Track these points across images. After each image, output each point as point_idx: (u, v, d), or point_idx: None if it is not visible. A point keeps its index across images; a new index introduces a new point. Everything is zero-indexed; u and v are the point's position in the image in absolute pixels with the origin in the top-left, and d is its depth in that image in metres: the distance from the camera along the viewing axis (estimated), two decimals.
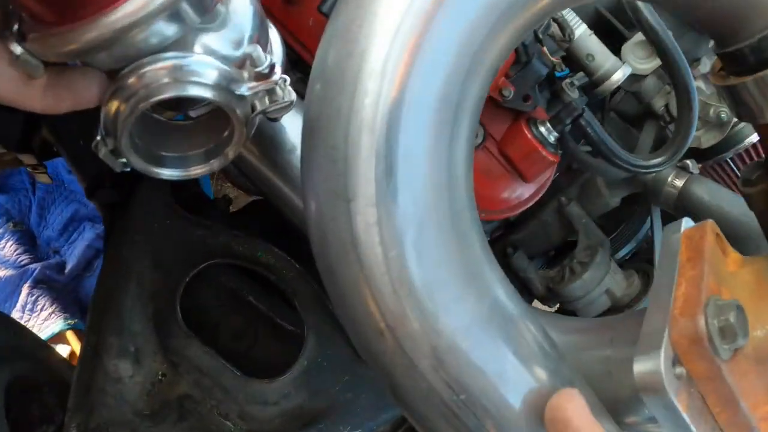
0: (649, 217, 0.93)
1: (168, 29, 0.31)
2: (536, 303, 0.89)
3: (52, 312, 1.36)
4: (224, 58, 0.34)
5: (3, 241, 1.50)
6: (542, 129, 0.60)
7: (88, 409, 0.64)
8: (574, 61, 0.68)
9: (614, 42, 0.78)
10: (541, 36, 0.58)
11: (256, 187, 0.57)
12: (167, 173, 0.37)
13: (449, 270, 0.30)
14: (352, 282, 0.30)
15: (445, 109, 0.30)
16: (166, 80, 0.32)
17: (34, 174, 1.24)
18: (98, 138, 0.35)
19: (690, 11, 0.37)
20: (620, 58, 0.77)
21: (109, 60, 0.32)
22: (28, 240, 1.53)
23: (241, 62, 0.35)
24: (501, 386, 0.30)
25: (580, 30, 0.67)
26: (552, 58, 0.63)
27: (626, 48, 0.78)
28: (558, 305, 0.86)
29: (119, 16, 0.29)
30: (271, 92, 0.35)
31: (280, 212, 0.57)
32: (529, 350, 0.31)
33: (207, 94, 0.33)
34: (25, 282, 1.40)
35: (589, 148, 0.73)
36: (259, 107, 0.35)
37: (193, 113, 0.39)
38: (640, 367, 0.29)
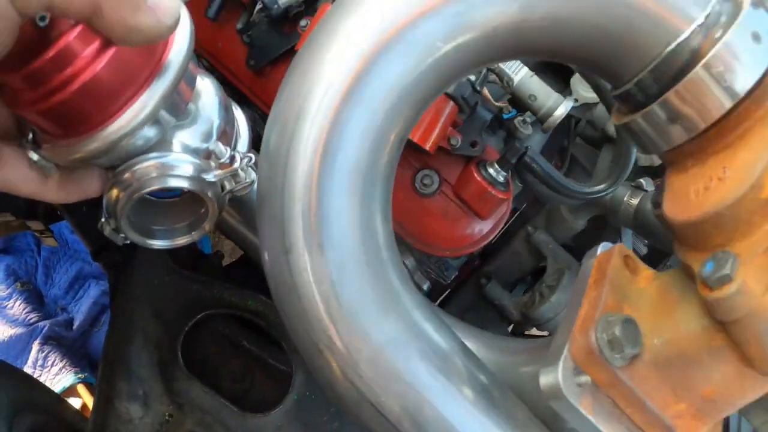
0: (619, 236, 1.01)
1: (150, 132, 0.40)
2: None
3: (63, 367, 1.44)
4: (195, 151, 0.43)
5: (11, 301, 1.59)
6: (491, 170, 0.69)
7: None
8: (519, 102, 0.76)
9: (564, 76, 0.87)
10: (478, 88, 0.66)
11: (238, 244, 0.66)
12: (158, 244, 0.46)
13: (367, 300, 0.39)
14: (295, 313, 0.40)
15: (356, 178, 0.39)
16: (153, 175, 0.41)
17: (41, 238, 1.33)
18: (102, 219, 0.43)
19: (579, 61, 0.45)
20: (570, 90, 0.86)
21: (107, 161, 0.41)
22: (35, 299, 1.62)
23: (209, 153, 0.43)
24: (416, 395, 0.38)
25: (521, 74, 0.75)
26: (498, 103, 0.72)
27: (574, 80, 0.87)
28: (534, 328, 0.93)
29: (112, 130, 0.38)
30: (235, 175, 0.44)
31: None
32: (448, 364, 0.40)
33: (184, 184, 0.42)
34: (35, 339, 1.49)
35: None
36: (227, 187, 0.44)
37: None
38: (543, 379, 0.37)
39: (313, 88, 0.41)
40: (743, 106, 0.35)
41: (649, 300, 0.43)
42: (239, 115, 0.52)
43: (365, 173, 0.39)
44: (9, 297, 1.60)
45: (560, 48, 0.40)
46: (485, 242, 0.76)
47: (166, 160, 0.41)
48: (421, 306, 0.42)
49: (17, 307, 1.58)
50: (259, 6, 0.74)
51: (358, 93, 0.39)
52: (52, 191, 0.42)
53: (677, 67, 0.35)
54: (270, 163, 0.41)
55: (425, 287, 0.82)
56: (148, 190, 0.41)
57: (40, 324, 1.52)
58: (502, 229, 0.78)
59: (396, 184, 0.69)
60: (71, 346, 1.51)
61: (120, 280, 0.82)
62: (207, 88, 0.47)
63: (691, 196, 0.36)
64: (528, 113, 0.78)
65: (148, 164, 0.41)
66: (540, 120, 0.73)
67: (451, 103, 0.64)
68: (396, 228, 0.76)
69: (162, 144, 0.42)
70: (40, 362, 1.47)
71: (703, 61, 0.34)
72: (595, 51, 0.39)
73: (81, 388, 1.44)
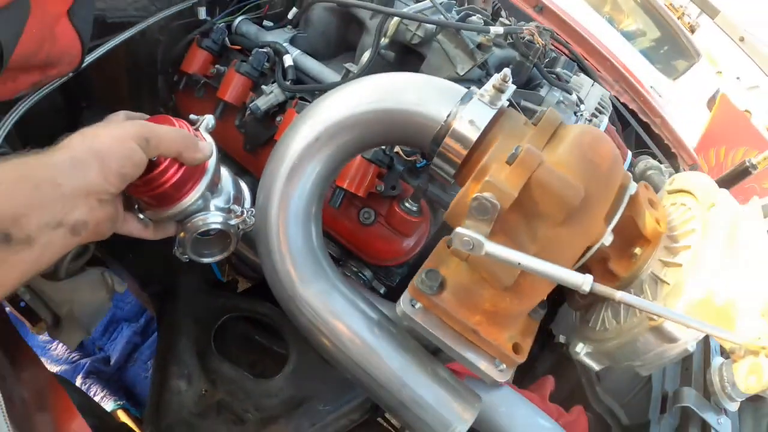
0: None
1: (200, 203, 0.84)
2: None
3: (104, 396, 1.86)
4: (222, 209, 0.87)
5: (55, 344, 2.03)
6: (407, 204, 1.12)
7: (160, 416, 1.14)
8: (427, 154, 1.20)
9: None
10: (388, 151, 1.11)
11: (251, 267, 1.12)
12: (206, 260, 0.91)
13: (312, 276, 0.84)
14: (279, 286, 0.86)
15: (300, 216, 0.85)
16: (201, 224, 0.85)
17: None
18: (175, 249, 0.88)
19: (397, 143, 0.89)
20: None
21: (178, 218, 0.85)
22: None
23: (230, 210, 0.89)
24: (333, 318, 0.83)
25: None
26: (409, 158, 1.16)
27: None
28: None
29: (183, 204, 0.82)
30: (244, 221, 0.89)
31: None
32: (357, 307, 0.85)
33: (218, 227, 0.86)
34: (78, 374, 1.92)
35: None
36: (241, 227, 0.89)
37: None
38: (398, 309, 0.81)
39: (277, 171, 0.87)
40: (473, 154, 0.79)
41: (453, 262, 0.85)
42: (244, 185, 0.97)
43: (304, 214, 0.86)
44: (51, 341, 2.03)
45: (381, 142, 0.88)
46: (413, 253, 1.19)
47: (208, 215, 0.85)
48: (343, 280, 0.88)
49: (60, 349, 2.01)
50: (248, 111, 1.21)
51: (298, 174, 0.85)
52: (150, 233, 0.85)
53: (440, 139, 0.79)
54: (259, 211, 0.87)
55: (382, 291, 1.26)
56: (199, 231, 0.85)
57: (82, 361, 1.95)
58: (424, 243, 1.21)
59: (347, 220, 1.15)
60: (109, 379, 1.93)
61: (165, 301, 1.28)
62: (225, 175, 0.92)
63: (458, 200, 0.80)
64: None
65: (198, 218, 0.85)
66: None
67: (373, 165, 1.10)
68: (352, 248, 1.20)
69: (206, 206, 0.86)
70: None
71: (449, 133, 0.78)
72: (400, 139, 0.87)
73: (120, 413, 1.85)
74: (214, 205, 0.87)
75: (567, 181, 0.71)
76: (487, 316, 0.81)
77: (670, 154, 2.32)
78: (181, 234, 0.87)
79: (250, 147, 1.25)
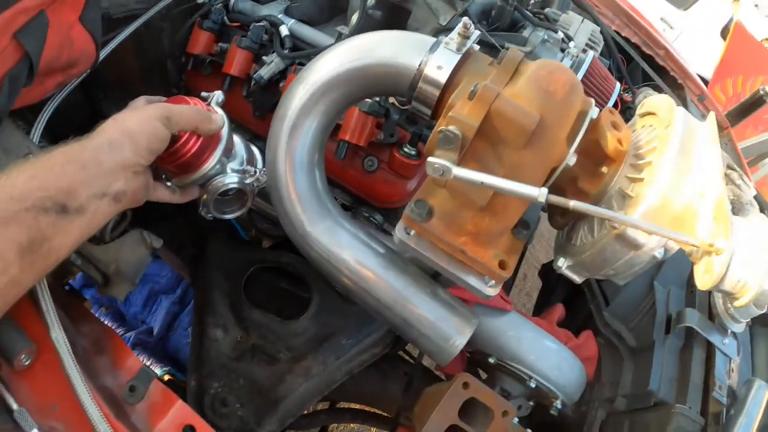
0: None
1: (218, 167, 1.02)
2: None
3: (150, 364, 2.07)
4: (238, 171, 1.05)
5: None
6: (405, 149, 1.27)
7: (201, 364, 1.32)
8: None
9: None
10: (382, 103, 1.26)
11: (271, 221, 1.29)
12: (228, 217, 1.10)
13: (318, 216, 1.01)
14: (292, 225, 1.04)
15: (305, 165, 1.02)
16: (221, 185, 1.02)
17: None
18: (200, 209, 1.06)
19: (379, 94, 1.06)
20: None
21: (200, 182, 1.03)
22: (118, 317, 2.28)
23: (244, 171, 1.06)
24: (340, 250, 1.01)
25: None
26: (403, 108, 1.31)
27: None
28: None
29: (203, 170, 1.00)
30: (258, 179, 1.06)
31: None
32: (360, 239, 1.02)
33: (235, 186, 1.04)
34: None
35: None
36: (255, 185, 1.07)
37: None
38: (394, 237, 0.98)
39: (280, 129, 1.04)
40: (444, 95, 0.94)
41: (439, 193, 0.99)
42: (255, 149, 1.14)
43: (308, 163, 1.02)
44: None
45: (367, 95, 1.04)
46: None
47: (226, 177, 1.02)
48: (347, 217, 1.05)
49: None
50: (253, 81, 1.37)
51: (298, 129, 1.02)
52: (178, 197, 1.02)
53: (414, 84, 0.95)
54: (269, 166, 1.04)
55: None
56: (219, 192, 1.02)
57: (127, 335, 2.16)
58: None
59: (353, 169, 1.31)
60: (154, 349, 2.14)
61: (197, 262, 1.47)
62: (237, 141, 1.09)
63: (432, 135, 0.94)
64: None
65: (218, 180, 1.02)
66: None
67: (370, 116, 1.25)
68: (361, 195, 1.37)
69: (223, 170, 1.03)
70: None
71: (421, 79, 0.94)
72: (382, 90, 1.02)
73: (167, 378, 2.06)
74: (230, 168, 1.05)
75: (522, 109, 0.85)
76: (471, 237, 0.97)
77: (676, 85, 2.39)
78: (204, 196, 1.05)
79: (259, 114, 1.41)
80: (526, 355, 1.39)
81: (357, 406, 1.79)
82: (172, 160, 0.98)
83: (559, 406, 1.46)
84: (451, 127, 0.84)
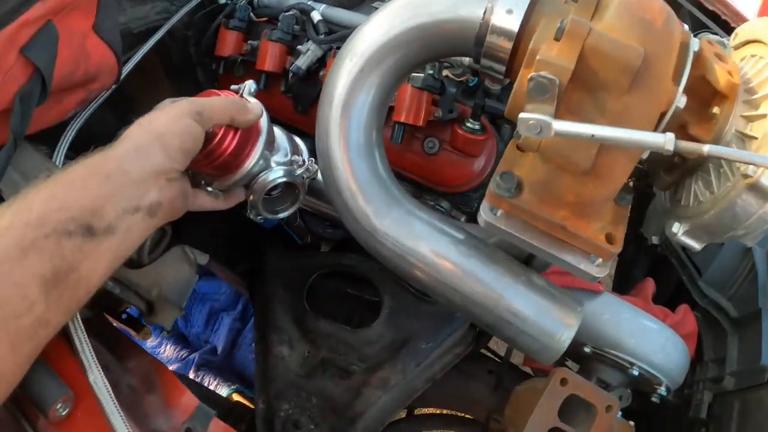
0: None
1: (261, 162, 0.84)
2: None
3: (217, 384, 1.93)
4: (284, 163, 0.87)
5: (163, 347, 2.12)
6: (468, 124, 1.08)
7: (268, 384, 1.16)
8: (477, 71, 1.15)
9: None
10: (437, 76, 1.07)
11: (324, 218, 1.11)
12: (280, 216, 0.93)
13: (385, 206, 0.81)
14: (354, 220, 0.85)
15: (362, 150, 0.83)
16: (267, 181, 0.85)
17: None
18: (248, 212, 0.89)
19: (446, 55, 0.86)
20: None
21: (243, 183, 0.86)
22: (180, 340, 2.15)
23: (292, 162, 0.88)
24: (416, 243, 0.81)
25: None
26: (460, 79, 1.12)
27: None
28: None
29: (244, 169, 0.83)
30: (307, 169, 0.88)
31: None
32: (438, 228, 0.82)
33: (283, 180, 0.86)
34: (190, 368, 2.00)
35: None
36: (305, 176, 0.89)
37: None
38: (479, 220, 0.78)
39: (330, 112, 0.85)
40: (520, 44, 0.74)
41: (527, 161, 0.81)
42: (298, 140, 0.96)
43: (366, 146, 0.84)
44: (160, 344, 2.13)
45: (425, 59, 0.85)
46: (486, 173, 1.15)
47: (271, 172, 0.86)
48: (418, 204, 0.85)
49: (169, 350, 2.10)
50: (291, 73, 1.19)
51: (351, 108, 0.83)
52: (222, 203, 0.86)
53: (482, 39, 0.76)
54: (321, 156, 0.85)
55: (462, 219, 1.23)
56: (267, 189, 0.86)
57: (191, 356, 2.03)
58: (496, 160, 1.17)
59: (413, 153, 1.13)
60: (219, 367, 2.00)
61: (255, 276, 1.29)
62: (279, 133, 0.91)
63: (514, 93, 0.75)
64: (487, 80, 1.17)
65: (263, 177, 0.85)
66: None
67: (425, 92, 1.06)
68: (424, 182, 1.18)
69: (267, 165, 0.86)
70: None
71: (489, 30, 0.75)
72: (443, 51, 0.83)
73: (235, 396, 1.92)
74: (275, 162, 0.88)
75: (622, 43, 0.66)
76: (572, 209, 0.77)
77: (729, 29, 2.16)
78: (251, 197, 0.88)
79: (301, 108, 1.24)
80: (626, 339, 1.18)
81: (438, 411, 1.59)
82: (209, 161, 0.81)
83: (664, 393, 1.24)
84: (543, 72, 0.63)
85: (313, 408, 1.14)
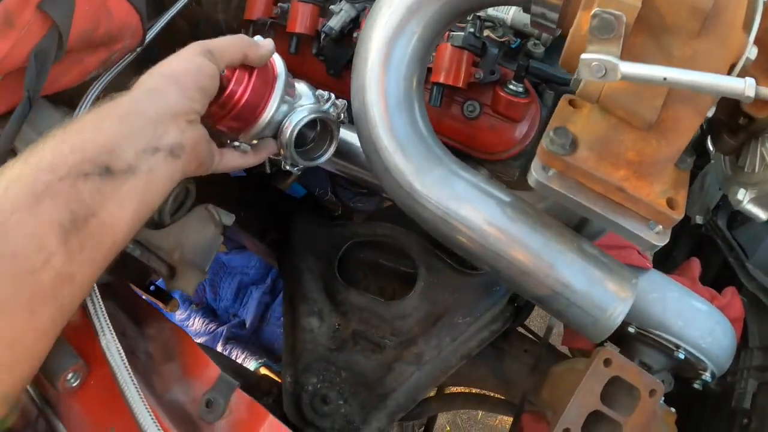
0: None
1: (283, 107, 0.78)
2: None
3: (245, 357, 1.89)
4: (307, 104, 0.80)
5: (191, 320, 2.08)
6: (511, 86, 1.00)
7: (296, 357, 1.10)
8: (519, 33, 1.07)
9: None
10: (478, 34, 0.99)
11: (357, 182, 1.04)
12: (317, 162, 0.86)
13: (426, 164, 0.74)
14: (390, 176, 0.78)
15: (401, 102, 0.75)
16: (296, 123, 0.78)
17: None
18: (283, 164, 0.82)
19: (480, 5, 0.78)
20: None
21: (270, 132, 0.79)
22: (209, 313, 2.11)
23: (319, 97, 0.82)
24: (459, 205, 0.73)
25: (511, 12, 1.05)
26: (501, 39, 1.03)
27: None
28: None
29: (266, 116, 0.76)
30: (334, 103, 0.82)
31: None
32: (483, 189, 0.74)
33: (315, 116, 0.80)
34: (218, 341, 1.96)
35: None
36: (333, 111, 0.83)
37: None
38: (529, 180, 0.70)
39: (366, 64, 0.78)
40: None
41: (582, 117, 0.73)
42: (319, 90, 0.89)
43: (405, 101, 0.77)
44: (188, 317, 2.09)
45: (469, 8, 0.79)
46: (528, 140, 1.06)
47: (297, 112, 0.79)
48: (460, 163, 0.77)
49: (197, 323, 2.06)
50: (323, 35, 1.12)
51: (390, 60, 0.76)
52: (252, 158, 0.81)
53: None
54: (358, 114, 0.78)
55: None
56: (297, 132, 0.79)
57: (219, 330, 1.99)
58: (538, 125, 1.08)
59: (451, 118, 1.04)
60: (247, 341, 1.96)
61: (283, 247, 1.23)
62: (299, 83, 0.84)
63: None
64: (532, 38, 1.09)
65: (290, 120, 0.79)
66: (538, 38, 1.05)
67: (465, 52, 0.98)
68: (462, 148, 1.10)
69: (291, 109, 0.79)
70: None
71: None
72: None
73: (262, 370, 1.87)
74: (299, 105, 0.81)
75: None
76: (632, 169, 0.69)
77: None
78: (282, 146, 0.81)
79: (333, 71, 1.17)
80: (673, 320, 1.09)
81: (468, 390, 1.52)
82: (227, 111, 0.75)
83: (708, 379, 1.15)
84: (610, 9, 0.55)
85: (342, 383, 1.09)
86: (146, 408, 0.64)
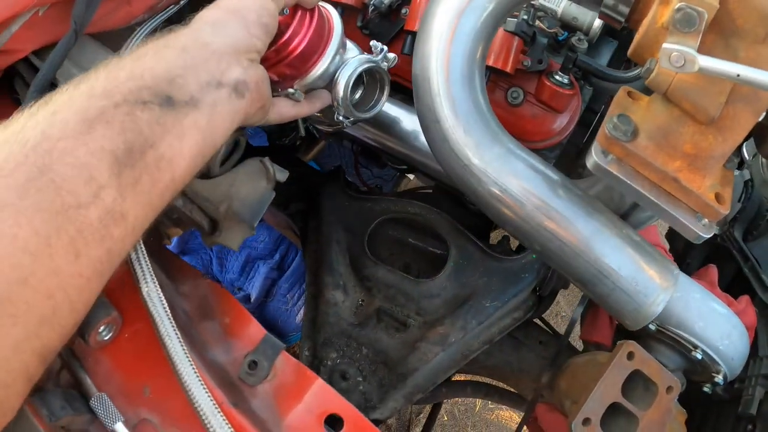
0: None
1: (337, 59, 0.80)
2: None
3: None
4: (361, 56, 0.83)
5: None
6: (556, 77, 1.04)
7: (316, 330, 1.13)
8: (567, 26, 1.11)
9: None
10: (531, 22, 1.02)
11: (388, 151, 1.08)
12: (374, 112, 0.89)
13: (486, 140, 0.78)
14: (447, 153, 0.81)
15: (464, 78, 0.79)
16: (350, 73, 0.80)
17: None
18: (336, 116, 0.84)
19: None
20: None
21: (322, 83, 0.81)
22: None
23: (369, 49, 0.85)
24: (515, 181, 0.78)
25: (562, 4, 1.10)
26: (550, 30, 1.07)
27: None
28: None
29: (322, 65, 0.78)
30: (386, 57, 0.85)
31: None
32: (538, 170, 0.78)
33: (369, 66, 0.82)
34: None
35: None
36: (385, 64, 0.85)
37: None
38: (588, 162, 0.74)
39: (432, 32, 0.81)
40: None
41: (641, 107, 0.77)
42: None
43: (468, 76, 0.80)
44: None
45: None
46: (568, 131, 1.10)
47: (350, 63, 0.81)
48: (516, 142, 0.81)
49: None
50: (371, 8, 1.15)
51: (457, 35, 0.79)
52: (306, 107, 0.81)
53: None
54: (418, 79, 0.82)
55: None
56: (353, 81, 0.81)
57: None
58: (576, 120, 1.12)
59: (494, 103, 1.08)
60: (252, 315, 1.98)
61: (308, 217, 1.26)
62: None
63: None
64: (579, 33, 1.13)
65: (344, 70, 0.80)
66: (585, 33, 1.09)
67: (516, 38, 1.02)
68: None
69: (343, 61, 0.81)
70: None
71: None
72: None
73: None
74: (350, 57, 0.83)
75: None
76: (687, 161, 0.74)
77: None
78: (337, 96, 0.82)
79: None
80: (693, 320, 1.13)
81: (480, 379, 1.56)
82: (282, 57, 0.76)
83: (720, 382, 1.20)
84: (694, 5, 0.59)
85: (362, 359, 1.11)
86: (189, 361, 0.62)
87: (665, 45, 0.61)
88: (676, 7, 0.60)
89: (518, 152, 0.83)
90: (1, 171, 0.46)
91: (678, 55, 0.60)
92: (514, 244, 1.28)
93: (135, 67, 0.55)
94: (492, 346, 1.16)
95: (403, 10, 1.15)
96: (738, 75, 0.60)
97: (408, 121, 1.08)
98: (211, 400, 0.61)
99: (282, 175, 0.82)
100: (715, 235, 1.60)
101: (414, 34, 0.97)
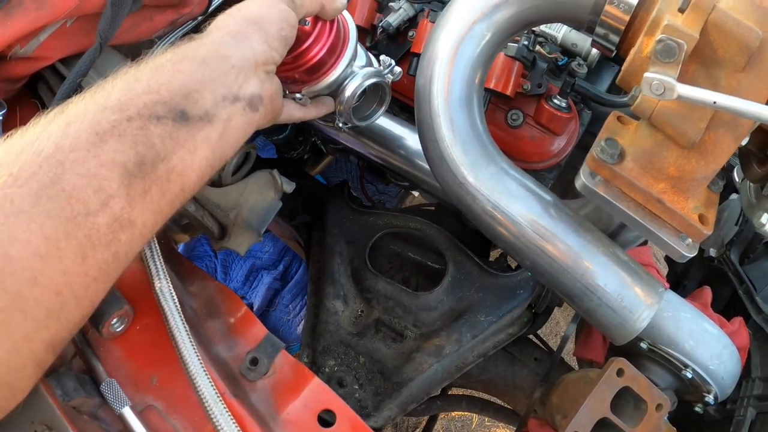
0: None
1: (349, 69, 0.85)
2: None
3: None
4: (365, 67, 0.88)
5: None
6: (555, 100, 1.09)
7: (316, 338, 1.17)
8: (567, 51, 1.17)
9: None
10: (531, 48, 1.08)
11: (389, 167, 1.13)
12: (372, 120, 0.94)
13: (481, 160, 0.83)
14: (445, 168, 0.86)
15: (462, 101, 0.85)
16: (358, 84, 0.85)
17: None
18: (336, 122, 0.89)
19: (558, 21, 0.87)
20: None
21: (328, 91, 0.86)
22: None
23: (378, 63, 0.90)
24: (508, 200, 0.83)
25: (562, 31, 1.16)
26: (551, 55, 1.13)
27: None
28: None
29: (334, 75, 0.83)
30: (392, 71, 0.90)
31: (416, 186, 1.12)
32: (530, 189, 0.83)
33: (375, 80, 0.87)
34: None
35: None
36: (390, 78, 0.90)
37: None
38: (577, 183, 0.79)
39: (435, 57, 0.87)
40: (637, 15, 0.75)
41: (629, 132, 0.82)
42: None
43: (467, 99, 0.86)
44: None
45: (538, 20, 0.85)
46: (566, 153, 1.15)
47: (359, 75, 0.86)
48: (511, 163, 0.86)
49: None
50: (380, 30, 1.20)
51: (458, 58, 0.85)
52: (312, 111, 0.85)
53: (599, 7, 0.76)
54: (420, 96, 0.87)
55: None
56: (359, 92, 0.86)
57: None
58: (576, 142, 1.17)
59: (494, 125, 1.13)
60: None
61: (313, 229, 1.31)
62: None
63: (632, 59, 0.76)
64: (578, 58, 1.18)
65: (352, 81, 0.85)
66: (584, 59, 1.15)
67: (517, 62, 1.07)
68: None
69: (352, 71, 0.86)
70: None
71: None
72: (557, 14, 0.83)
73: None
74: (357, 67, 0.88)
75: (744, 24, 0.68)
76: (671, 183, 0.78)
77: None
78: (340, 105, 0.87)
79: None
80: (684, 339, 1.17)
81: (474, 394, 1.60)
82: (300, 64, 0.80)
83: (711, 402, 1.23)
84: (674, 37, 0.64)
85: (359, 368, 1.16)
86: (196, 353, 0.66)
87: (647, 74, 0.66)
88: (658, 38, 0.65)
89: (512, 172, 0.88)
90: (17, 181, 0.49)
91: (658, 84, 0.65)
92: (513, 261, 1.33)
93: (152, 80, 0.57)
94: (487, 360, 1.20)
95: (410, 33, 1.21)
96: (714, 102, 0.64)
97: (412, 140, 1.14)
98: (214, 390, 0.65)
99: (289, 186, 0.87)
100: (712, 257, 1.65)
101: (420, 56, 1.03)
